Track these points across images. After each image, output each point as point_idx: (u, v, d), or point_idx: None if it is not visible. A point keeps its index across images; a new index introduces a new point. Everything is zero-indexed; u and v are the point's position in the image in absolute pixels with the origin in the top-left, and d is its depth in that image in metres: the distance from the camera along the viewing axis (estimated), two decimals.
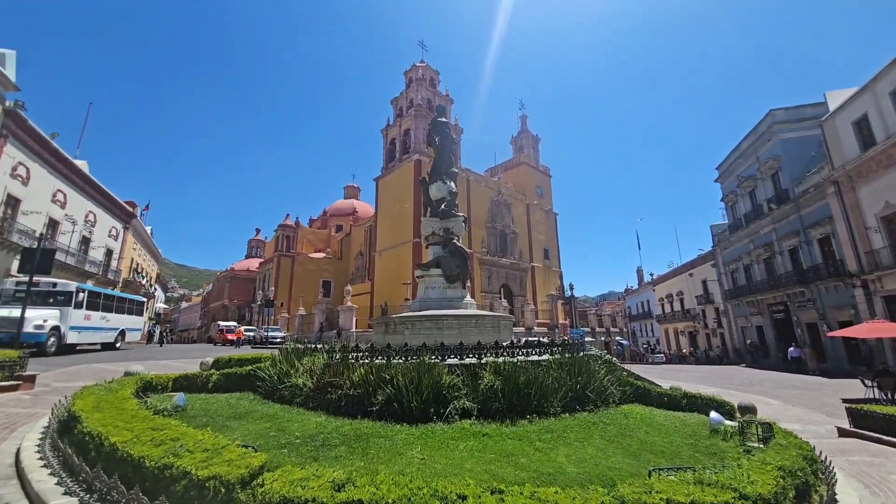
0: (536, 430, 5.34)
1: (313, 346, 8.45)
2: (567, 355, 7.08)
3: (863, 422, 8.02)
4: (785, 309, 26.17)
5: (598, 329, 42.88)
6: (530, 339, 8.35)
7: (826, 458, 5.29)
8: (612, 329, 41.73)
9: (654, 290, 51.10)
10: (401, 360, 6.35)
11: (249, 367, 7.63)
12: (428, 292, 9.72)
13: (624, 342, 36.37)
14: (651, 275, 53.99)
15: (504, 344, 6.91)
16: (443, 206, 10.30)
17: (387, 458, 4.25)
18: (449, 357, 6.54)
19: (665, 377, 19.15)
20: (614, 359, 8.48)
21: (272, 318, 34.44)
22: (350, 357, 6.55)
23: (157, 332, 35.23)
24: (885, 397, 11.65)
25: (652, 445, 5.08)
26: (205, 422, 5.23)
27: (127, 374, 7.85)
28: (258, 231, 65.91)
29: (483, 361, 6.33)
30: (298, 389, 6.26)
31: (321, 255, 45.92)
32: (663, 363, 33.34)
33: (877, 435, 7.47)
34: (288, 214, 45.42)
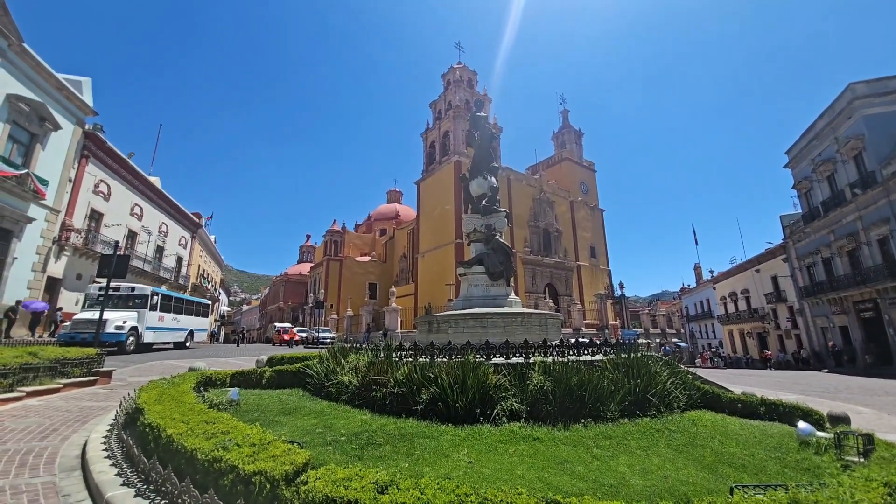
0: (592, 436, 4.92)
1: (358, 345, 8.52)
2: (623, 355, 6.54)
3: None
4: (874, 307, 23.05)
5: (652, 330, 40.36)
6: (580, 339, 7.86)
7: None
8: (667, 330, 39.11)
9: (714, 289, 47.24)
10: (445, 359, 6.17)
11: (299, 365, 7.81)
12: (471, 290, 9.49)
13: (682, 344, 33.88)
14: (711, 272, 49.98)
15: (553, 343, 6.51)
16: (484, 202, 10.04)
17: (432, 460, 4.07)
18: (494, 356, 6.27)
19: (732, 382, 17.52)
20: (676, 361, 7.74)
21: (322, 319, 35.83)
22: (394, 355, 6.47)
23: (221, 331, 37.88)
24: None
25: (730, 457, 4.49)
26: (256, 416, 5.35)
27: (191, 369, 8.35)
28: (308, 237, 69.23)
29: (531, 361, 5.99)
30: (344, 387, 6.28)
31: (367, 258, 47.20)
32: (721, 367, 30.62)
33: None
34: (335, 220, 47.28)
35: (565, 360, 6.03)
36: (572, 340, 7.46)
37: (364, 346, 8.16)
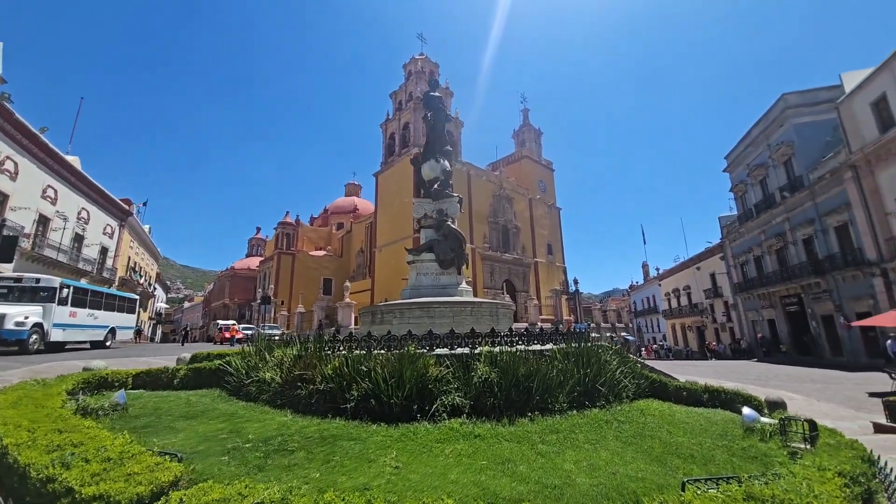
0: (539, 430, 4.52)
1: (291, 337, 7.66)
2: (574, 344, 6.24)
3: None
4: (799, 301, 25.14)
5: (602, 325, 41.97)
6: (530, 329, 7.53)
7: (880, 457, 4.44)
8: (617, 325, 40.82)
9: (659, 285, 49.99)
10: (383, 351, 5.55)
11: (219, 362, 6.85)
12: (420, 279, 8.90)
13: (630, 337, 35.45)
14: (657, 270, 52.88)
15: (502, 332, 6.07)
16: (436, 186, 9.48)
17: (352, 467, 3.45)
18: (438, 347, 5.74)
19: (676, 371, 18.26)
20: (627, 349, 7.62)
21: (272, 315, 33.81)
22: (326, 348, 5.75)
23: (158, 330, 34.66)
24: None
25: (678, 448, 4.25)
26: (146, 423, 4.45)
27: (85, 369, 7.12)
28: (258, 230, 65.27)
29: (477, 351, 5.51)
30: (265, 384, 5.48)
31: (322, 252, 45.24)
32: (670, 359, 32.34)
33: None
34: (288, 212, 44.78)
35: (514, 349, 5.62)
36: (523, 330, 7.11)
37: (297, 337, 7.33)
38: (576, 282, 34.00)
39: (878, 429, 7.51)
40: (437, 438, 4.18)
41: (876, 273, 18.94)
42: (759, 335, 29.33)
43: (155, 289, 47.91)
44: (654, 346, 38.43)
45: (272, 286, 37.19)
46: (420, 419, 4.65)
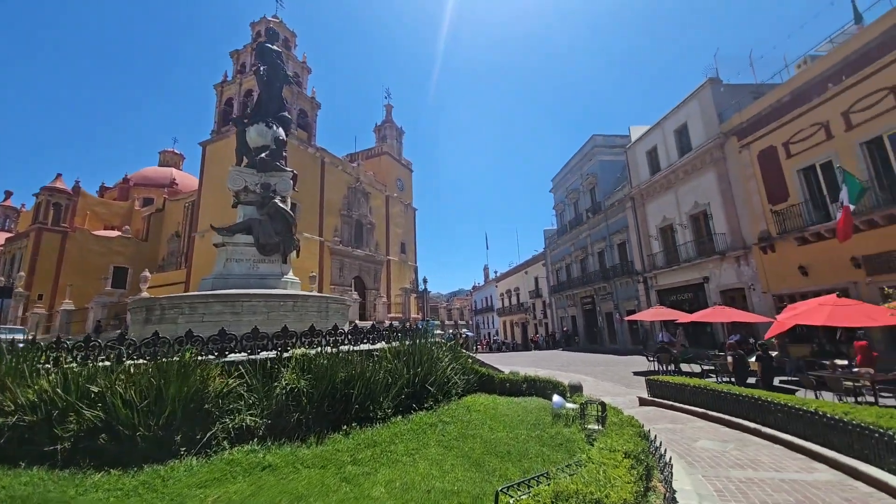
0: (352, 448, 3.75)
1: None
2: (408, 342, 5.73)
3: (658, 391, 9.08)
4: (592, 301, 31.44)
5: (447, 322, 44.64)
6: (359, 326, 6.77)
7: (650, 431, 5.26)
8: (459, 322, 43.97)
9: (496, 287, 56.32)
10: (146, 360, 3.92)
11: None
12: (230, 266, 7.11)
13: (469, 333, 38.56)
14: (495, 273, 59.47)
15: (324, 331, 5.11)
16: (264, 155, 7.80)
17: None
18: (233, 351, 4.40)
19: (503, 363, 20.28)
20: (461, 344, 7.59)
21: (19, 314, 24.18)
22: (40, 359, 3.76)
23: None
24: (662, 368, 14.29)
25: (497, 445, 4.08)
26: None
27: None
28: (8, 195, 46.70)
29: (287, 355, 4.41)
30: None
31: (115, 233, 34.98)
32: (504, 351, 36.39)
33: (669, 402, 8.46)
34: (60, 175, 32.72)
35: (337, 350, 4.73)
36: (351, 328, 6.28)
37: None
38: (425, 281, 35.08)
39: (642, 402, 9.37)
40: (203, 481, 2.97)
41: (640, 280, 24.96)
42: (565, 329, 35.62)
43: None
44: (488, 341, 42.80)
45: (21, 273, 26.52)
46: (186, 453, 3.32)
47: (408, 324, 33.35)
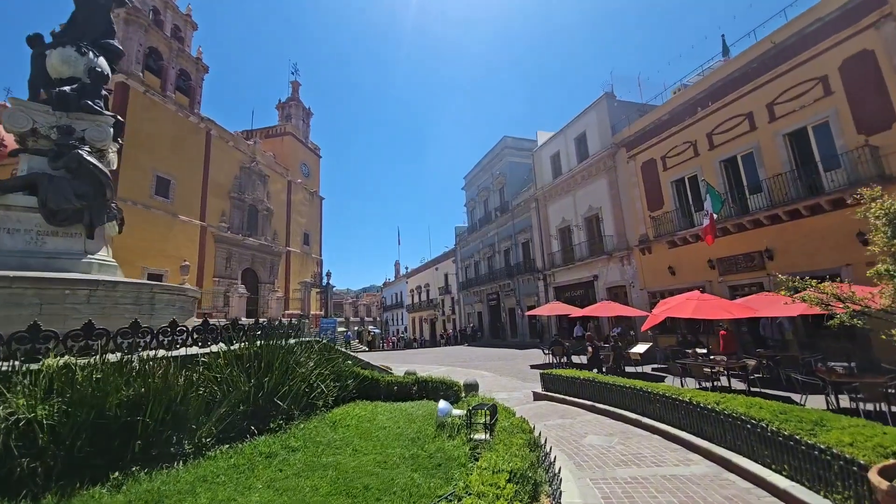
0: None
1: None
2: (260, 344, 4.43)
3: (551, 385, 9.04)
4: (497, 297, 32.44)
5: (352, 318, 42.44)
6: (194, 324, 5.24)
7: (540, 434, 4.81)
8: (366, 318, 42.13)
9: (406, 283, 55.53)
10: None
11: None
12: (2, 240, 4.95)
13: (375, 330, 37.08)
14: (406, 268, 58.64)
15: (113, 331, 3.57)
16: (70, 90, 5.66)
17: None
18: None
19: (406, 361, 19.48)
20: (340, 343, 6.45)
21: None
22: None
23: None
24: (556, 361, 14.85)
25: (355, 477, 3.11)
26: None
27: None
28: None
29: (35, 367, 2.85)
30: None
31: None
32: (402, 348, 35.67)
33: (561, 396, 8.42)
34: None
35: (129, 358, 3.28)
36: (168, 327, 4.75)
37: None
38: (328, 275, 32.67)
39: (536, 396, 9.26)
40: None
41: (540, 278, 26.28)
42: (472, 324, 36.28)
43: None
44: (394, 337, 41.75)
45: None
46: None
47: (306, 320, 30.60)
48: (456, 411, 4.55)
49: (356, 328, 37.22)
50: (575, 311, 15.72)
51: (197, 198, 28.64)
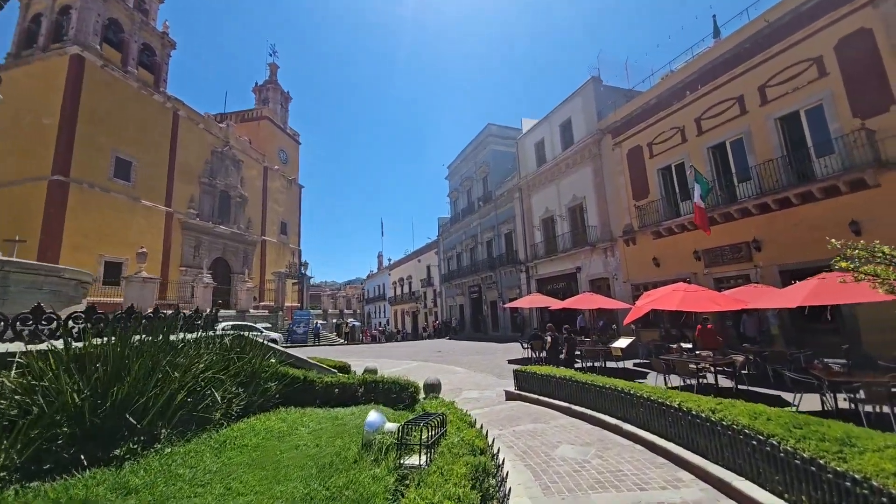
0: None
1: None
2: (143, 338, 3.38)
3: (525, 384, 8.19)
4: (479, 289, 31.64)
5: (331, 311, 41.18)
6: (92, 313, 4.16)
7: (499, 451, 3.91)
8: (346, 311, 40.91)
9: (389, 275, 54.37)
10: None
11: None
12: None
13: (355, 323, 35.90)
14: (389, 260, 57.41)
15: None
16: None
17: None
18: None
19: (381, 355, 18.50)
20: (271, 339, 5.43)
21: None
22: None
23: None
24: (535, 355, 14.08)
25: None
26: None
27: None
28: None
29: None
30: None
31: None
32: (382, 342, 34.68)
33: (535, 396, 7.58)
34: None
35: None
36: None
37: None
38: (305, 265, 31.33)
39: (509, 396, 8.39)
40: None
41: (522, 269, 25.53)
42: (455, 317, 35.46)
43: None
44: (376, 330, 40.70)
45: None
46: None
47: (280, 312, 29.26)
48: (390, 425, 3.60)
49: (335, 321, 36.01)
50: (555, 304, 14.96)
51: (162, 182, 26.93)
